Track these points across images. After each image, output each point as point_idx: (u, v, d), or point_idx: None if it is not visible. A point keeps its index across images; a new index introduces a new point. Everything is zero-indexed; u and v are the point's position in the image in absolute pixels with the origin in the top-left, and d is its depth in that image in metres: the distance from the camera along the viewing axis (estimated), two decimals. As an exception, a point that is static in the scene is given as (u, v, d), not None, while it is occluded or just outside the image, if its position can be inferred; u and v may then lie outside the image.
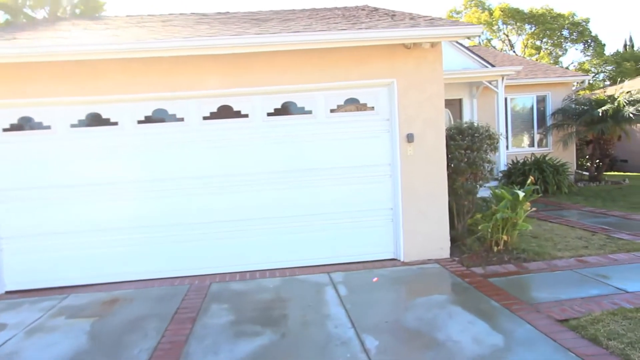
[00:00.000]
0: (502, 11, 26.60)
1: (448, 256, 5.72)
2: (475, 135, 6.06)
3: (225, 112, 5.63)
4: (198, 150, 5.59)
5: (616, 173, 15.78)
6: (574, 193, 10.66)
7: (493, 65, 11.71)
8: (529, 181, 6.30)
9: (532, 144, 13.32)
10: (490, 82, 11.62)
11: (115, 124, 5.54)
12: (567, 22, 26.03)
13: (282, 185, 5.70)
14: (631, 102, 10.95)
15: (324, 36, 5.14)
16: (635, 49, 28.10)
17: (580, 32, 26.29)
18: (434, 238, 5.72)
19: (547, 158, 11.21)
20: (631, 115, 10.67)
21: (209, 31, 5.57)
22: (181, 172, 5.59)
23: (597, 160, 12.67)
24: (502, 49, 28.78)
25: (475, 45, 20.73)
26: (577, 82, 13.82)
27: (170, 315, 4.36)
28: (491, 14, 27.34)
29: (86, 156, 5.50)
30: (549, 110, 13.17)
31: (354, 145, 5.72)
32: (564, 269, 5.00)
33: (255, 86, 5.48)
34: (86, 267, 5.51)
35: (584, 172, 13.42)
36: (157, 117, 5.58)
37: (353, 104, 5.75)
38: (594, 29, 28.60)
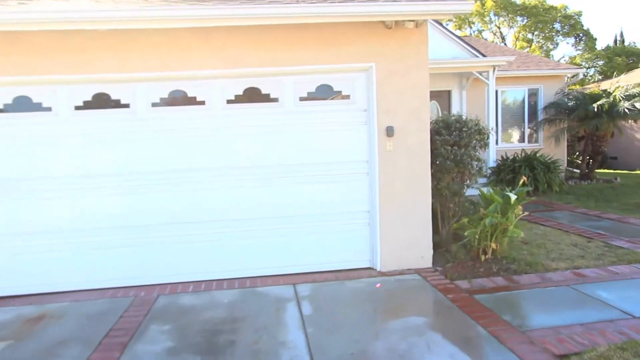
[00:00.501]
0: (494, 1, 25.94)
1: (430, 265, 5.09)
2: (464, 129, 5.41)
3: (177, 99, 4.89)
4: (144, 141, 4.83)
5: (606, 170, 15.37)
6: (565, 192, 10.14)
7: (484, 55, 11.07)
8: (520, 182, 5.68)
9: (522, 140, 12.78)
10: (480, 73, 10.99)
11: (49, 109, 4.76)
12: (559, 14, 25.51)
13: (245, 183, 4.98)
14: (627, 97, 10.42)
15: (290, 9, 4.40)
16: (625, 44, 27.80)
17: (572, 25, 25.81)
18: (415, 245, 5.08)
19: (538, 155, 10.66)
20: (627, 110, 10.14)
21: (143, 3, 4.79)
22: (126, 166, 4.84)
23: (589, 158, 12.18)
24: (493, 41, 28.18)
25: (466, 36, 20.07)
26: (569, 77, 13.26)
27: (99, 340, 3.65)
28: (483, 5, 26.66)
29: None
30: (541, 105, 12.61)
31: (326, 139, 5.03)
32: (559, 284, 4.41)
33: (210, 68, 4.74)
34: (19, 275, 4.76)
35: (575, 170, 12.94)
36: (98, 102, 4.82)
37: (326, 92, 5.04)
38: (586, 23, 28.22)
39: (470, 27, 30.01)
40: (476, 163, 5.49)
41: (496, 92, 12.49)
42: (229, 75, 4.82)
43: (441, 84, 12.21)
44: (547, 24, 25.09)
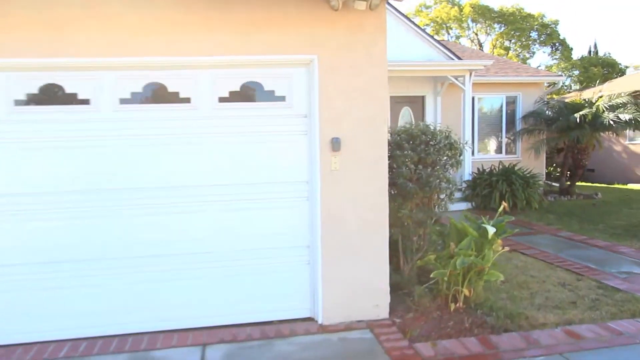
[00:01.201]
0: (472, 7, 25.39)
1: (386, 316, 3.98)
2: (431, 143, 4.35)
3: (49, 96, 3.65)
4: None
5: (584, 184, 14.73)
6: (545, 209, 9.28)
7: (460, 58, 10.16)
8: (500, 209, 4.64)
9: (500, 150, 11.94)
10: (456, 78, 10.08)
11: None
12: (536, 22, 25.17)
13: (144, 209, 3.77)
14: (611, 108, 9.67)
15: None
16: (599, 55, 27.74)
17: (549, 34, 25.52)
18: (367, 290, 3.97)
19: (516, 168, 9.80)
20: (611, 122, 9.38)
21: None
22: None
23: (569, 172, 11.42)
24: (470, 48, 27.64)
25: (443, 40, 19.33)
26: (546, 85, 12.48)
27: None
28: (461, 10, 26.11)
29: None
30: (519, 113, 11.80)
31: (254, 153, 3.87)
32: (549, 352, 3.36)
33: (96, 56, 3.53)
34: None
35: (554, 183, 12.18)
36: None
37: (253, 91, 3.90)
38: (562, 32, 28.05)
39: (448, 33, 29.46)
40: (446, 186, 4.43)
41: (473, 99, 11.63)
42: (120, 67, 3.62)
43: (414, 89, 11.26)
44: (524, 31, 24.68)
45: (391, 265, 4.13)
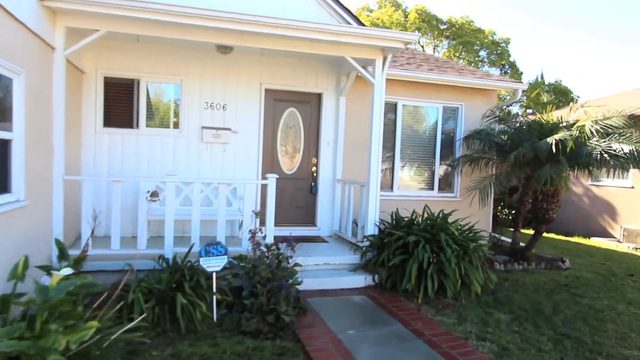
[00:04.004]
0: (418, 13, 22.38)
1: None
2: None
3: None
4: None
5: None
6: (493, 299, 5.39)
7: (363, 25, 6.17)
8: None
9: (430, 185, 8.09)
10: (364, 66, 6.09)
11: None
12: (486, 40, 22.59)
13: None
14: (605, 132, 6.05)
15: None
16: (546, 83, 25.81)
17: (500, 54, 23.00)
18: None
19: (449, 219, 5.90)
20: (605, 155, 5.75)
21: None
22: None
23: (532, 226, 7.67)
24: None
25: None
26: (501, 99, 8.86)
27: None
28: (406, 16, 23.03)
29: None
30: (460, 132, 8.06)
31: None
32: None
33: None
34: None
35: (504, 238, 8.47)
36: None
37: None
38: (512, 54, 25.89)
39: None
40: None
41: (395, 106, 7.71)
42: None
43: (305, 81, 7.17)
44: (473, 46, 21.89)
45: None
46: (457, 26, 22.81)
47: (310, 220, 7.40)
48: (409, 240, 5.39)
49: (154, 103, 6.57)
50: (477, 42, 21.91)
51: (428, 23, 22.17)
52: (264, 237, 4.94)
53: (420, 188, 8.04)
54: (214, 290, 4.32)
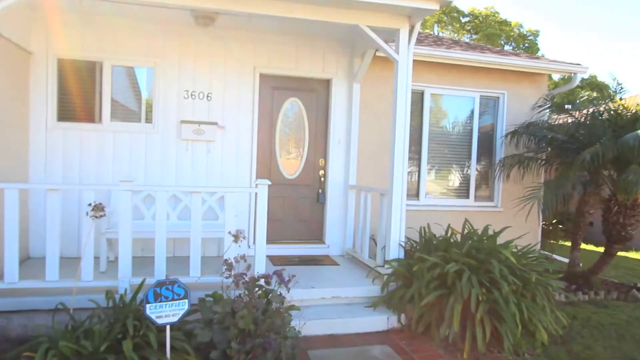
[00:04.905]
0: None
1: None
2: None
3: None
4: None
5: (588, 247, 9.62)
6: (566, 349, 3.89)
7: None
8: None
9: (464, 192, 6.61)
10: (387, 42, 4.67)
11: None
12: (512, 33, 20.93)
13: None
14: None
15: None
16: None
17: (528, 47, 21.24)
18: None
19: (499, 238, 4.43)
20: None
21: None
22: None
23: (607, 246, 6.07)
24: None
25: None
26: (549, 84, 7.25)
27: None
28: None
29: None
30: (503, 127, 6.58)
31: None
32: None
33: None
34: None
35: (557, 256, 6.91)
36: None
37: None
38: (541, 48, 24.01)
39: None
40: None
41: (422, 95, 6.30)
42: None
43: (310, 65, 5.83)
44: (498, 38, 20.18)
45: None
46: (480, 18, 21.22)
47: (317, 236, 6.00)
48: (449, 270, 3.95)
49: (121, 91, 5.28)
50: (503, 36, 20.25)
51: (448, 15, 20.65)
52: (249, 267, 3.58)
53: (452, 196, 6.57)
54: (168, 350, 2.95)
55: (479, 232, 4.68)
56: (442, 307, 3.95)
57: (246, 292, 3.47)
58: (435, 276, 4.03)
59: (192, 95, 5.38)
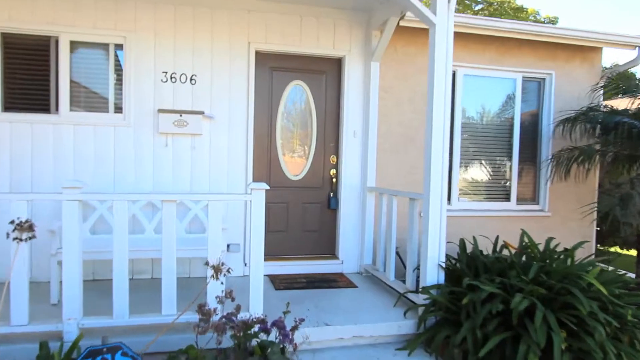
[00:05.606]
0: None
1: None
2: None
3: None
4: None
5: (625, 252, 8.45)
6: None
7: None
8: None
9: (505, 194, 5.50)
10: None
11: None
12: (529, 19, 19.73)
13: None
14: None
15: None
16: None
17: (544, 36, 20.01)
18: None
19: (576, 252, 3.36)
20: None
21: None
22: None
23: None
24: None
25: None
26: (606, 68, 6.04)
27: None
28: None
29: None
30: (550, 115, 5.48)
31: None
32: None
33: None
34: None
35: (623, 271, 5.78)
36: None
37: None
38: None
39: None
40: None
41: (453, 77, 5.21)
42: None
43: (317, 40, 4.75)
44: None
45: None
46: (495, 5, 20.06)
47: (328, 250, 4.94)
48: (514, 304, 2.86)
49: (82, 73, 4.24)
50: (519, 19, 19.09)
51: (460, 3, 19.47)
52: (238, 308, 2.53)
53: (489, 198, 5.47)
54: None
55: (541, 247, 3.61)
56: (504, 357, 2.87)
57: (236, 343, 2.43)
58: (495, 313, 2.95)
59: (171, 77, 4.32)
